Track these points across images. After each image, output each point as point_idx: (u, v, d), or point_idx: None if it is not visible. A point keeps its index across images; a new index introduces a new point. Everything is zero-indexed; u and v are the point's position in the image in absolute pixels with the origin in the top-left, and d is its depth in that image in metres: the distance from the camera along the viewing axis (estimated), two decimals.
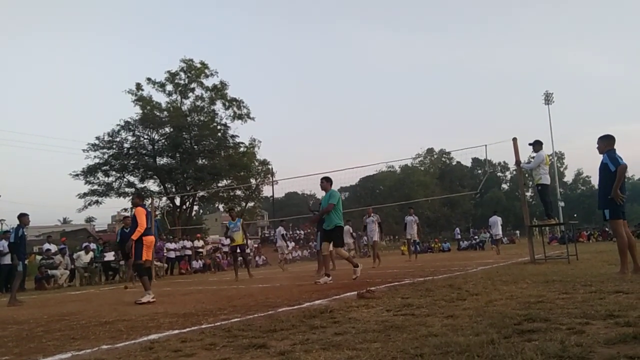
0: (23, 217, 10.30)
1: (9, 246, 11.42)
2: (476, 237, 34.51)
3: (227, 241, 23.79)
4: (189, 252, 23.86)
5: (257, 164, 40.12)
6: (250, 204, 41.00)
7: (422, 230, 22.54)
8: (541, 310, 3.81)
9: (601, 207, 6.85)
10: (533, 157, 10.72)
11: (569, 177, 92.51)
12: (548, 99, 52.38)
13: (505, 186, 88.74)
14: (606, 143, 6.91)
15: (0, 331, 5.19)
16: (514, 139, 11.10)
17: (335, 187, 9.59)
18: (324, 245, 9.35)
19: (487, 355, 2.48)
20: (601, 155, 6.90)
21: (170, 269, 21.50)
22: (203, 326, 4.39)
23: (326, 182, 9.31)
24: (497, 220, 20.59)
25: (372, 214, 15.36)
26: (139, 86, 35.49)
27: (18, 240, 10.29)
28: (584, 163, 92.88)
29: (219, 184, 36.77)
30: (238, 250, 13.93)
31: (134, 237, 7.91)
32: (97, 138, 33.27)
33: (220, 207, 42.87)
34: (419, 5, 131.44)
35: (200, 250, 23.65)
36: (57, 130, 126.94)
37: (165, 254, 21.09)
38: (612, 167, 6.62)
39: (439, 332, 3.22)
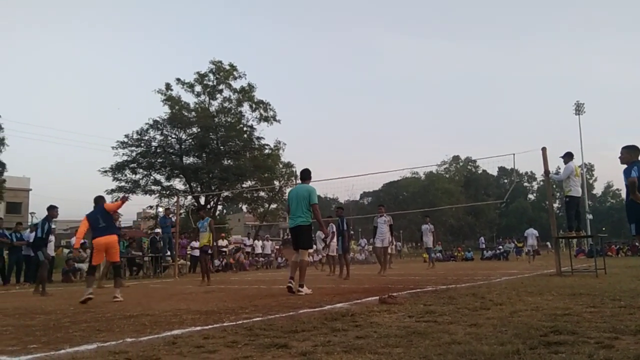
0: (52, 210, 10.42)
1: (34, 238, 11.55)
2: (501, 247, 33.95)
3: (224, 242, 24.05)
4: (211, 250, 24.07)
5: (281, 166, 40.30)
6: (274, 206, 41.14)
7: (439, 238, 22.99)
8: (568, 322, 3.72)
9: (631, 220, 6.59)
10: (560, 169, 10.53)
11: (598, 190, 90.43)
12: (579, 109, 51.32)
13: (531, 196, 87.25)
14: (633, 154, 6.60)
15: (28, 320, 5.33)
16: (543, 149, 10.92)
17: (358, 191, 9.34)
18: (290, 251, 8.52)
19: None
20: (623, 165, 6.58)
21: (193, 267, 21.73)
22: (225, 324, 4.43)
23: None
24: (533, 233, 22.00)
25: (384, 214, 13.94)
26: (168, 86, 36.07)
27: (44, 235, 10.35)
28: (614, 175, 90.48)
29: (244, 185, 37.04)
30: (208, 252, 12.91)
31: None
32: (126, 136, 33.91)
33: (244, 207, 43.12)
34: (448, 12, 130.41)
35: (224, 249, 23.84)
36: (88, 127, 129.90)
37: (189, 252, 21.35)
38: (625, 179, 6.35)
39: (462, 340, 3.18)
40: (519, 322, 3.84)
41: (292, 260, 8.22)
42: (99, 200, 8.46)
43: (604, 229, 57.88)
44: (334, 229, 13.47)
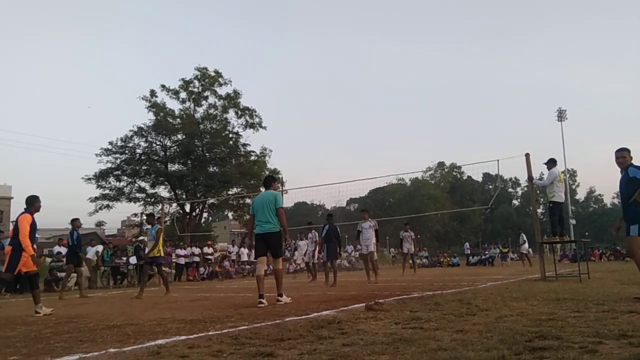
0: (75, 222, 12.13)
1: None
2: (486, 252, 34.24)
3: (210, 250, 23.78)
4: (197, 258, 23.92)
5: (267, 172, 40.20)
6: None
7: (425, 244, 23.22)
8: (553, 327, 3.75)
9: (633, 222, 6.26)
10: (543, 174, 10.65)
11: (580, 195, 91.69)
12: (561, 115, 52.09)
13: (516, 202, 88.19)
14: (629, 155, 6.50)
15: (9, 331, 5.22)
16: (527, 155, 11.05)
17: (344, 198, 9.24)
18: (260, 261, 7.65)
19: None
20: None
21: (178, 275, 21.54)
22: (210, 333, 4.38)
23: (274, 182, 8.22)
24: (523, 236, 24.08)
25: (368, 219, 13.53)
26: (153, 93, 35.88)
27: (74, 242, 11.95)
28: (596, 181, 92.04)
29: (229, 192, 36.88)
30: (156, 263, 11.47)
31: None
32: (110, 143, 33.61)
33: (230, 214, 42.90)
34: (432, 19, 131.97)
35: (209, 257, 23.68)
36: (71, 134, 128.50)
37: (174, 260, 21.16)
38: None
39: (448, 346, 3.18)
40: (504, 327, 3.86)
41: (258, 274, 7.57)
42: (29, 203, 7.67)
43: (587, 234, 58.77)
44: (316, 237, 13.44)
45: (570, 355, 2.75)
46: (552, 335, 3.39)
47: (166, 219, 28.23)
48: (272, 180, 8.10)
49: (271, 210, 7.41)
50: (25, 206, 7.64)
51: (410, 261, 18.89)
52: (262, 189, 8.30)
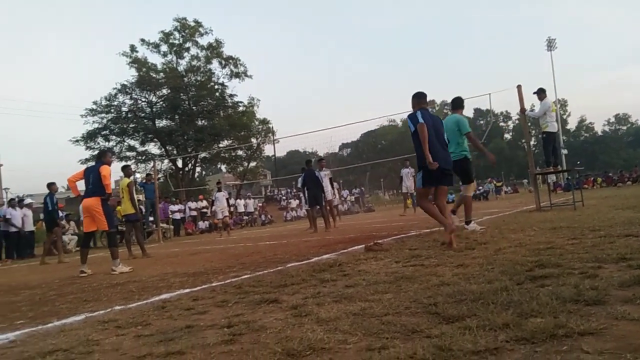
0: (52, 185, 11.73)
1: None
2: (480, 187, 34.59)
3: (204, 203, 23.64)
4: (194, 213, 24.05)
5: (257, 123, 39.82)
6: (253, 164, 40.93)
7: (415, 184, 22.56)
8: (551, 256, 3.79)
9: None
10: (534, 106, 10.56)
11: (572, 125, 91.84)
12: (550, 45, 51.23)
13: (507, 136, 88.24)
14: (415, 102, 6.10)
15: (13, 296, 5.24)
16: (519, 86, 10.90)
17: (337, 143, 9.02)
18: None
19: (502, 301, 2.46)
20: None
21: (176, 230, 21.72)
22: (213, 284, 4.41)
23: None
24: None
25: (324, 168, 13.46)
26: (133, 48, 34.87)
27: (53, 207, 11.61)
28: (587, 110, 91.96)
29: (220, 145, 36.66)
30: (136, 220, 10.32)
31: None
32: (95, 103, 33.02)
33: (223, 167, 42.85)
34: None
35: (205, 210, 23.80)
36: (56, 96, 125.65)
37: (170, 216, 21.28)
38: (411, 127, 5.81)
39: (450, 281, 3.21)
40: (504, 259, 3.90)
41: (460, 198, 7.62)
42: (101, 156, 7.70)
43: (578, 162, 59.26)
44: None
45: (571, 281, 2.77)
46: (552, 264, 3.43)
47: (159, 175, 28.14)
48: (461, 101, 7.61)
49: (458, 137, 7.11)
50: (99, 160, 7.63)
51: (410, 200, 18.45)
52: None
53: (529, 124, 18.35)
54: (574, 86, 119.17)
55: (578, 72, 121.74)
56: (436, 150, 5.67)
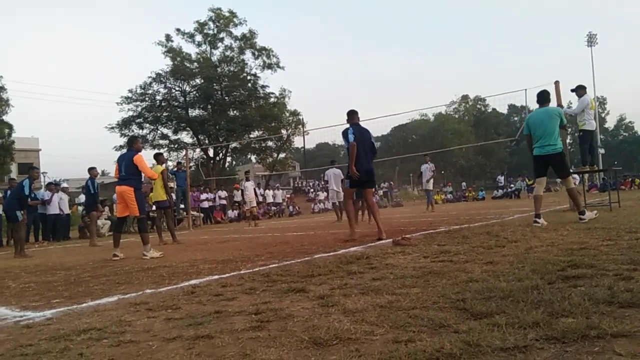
0: (92, 170, 12.15)
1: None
2: (512, 185, 33.92)
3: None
4: (223, 201, 24.37)
5: (287, 114, 39.90)
6: (282, 155, 41.11)
7: (444, 180, 22.19)
8: (585, 256, 3.69)
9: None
10: (571, 104, 10.26)
11: (610, 123, 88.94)
12: (591, 40, 49.57)
13: None
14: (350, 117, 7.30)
15: (49, 276, 5.44)
16: (556, 82, 10.60)
17: None
18: (539, 182, 7.41)
19: (532, 300, 2.42)
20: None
21: (206, 218, 22.08)
22: (242, 272, 4.48)
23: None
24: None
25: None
26: (168, 37, 35.38)
27: (95, 190, 12.10)
28: (627, 108, 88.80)
29: (251, 135, 36.93)
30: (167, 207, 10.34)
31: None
32: (130, 91, 33.70)
33: (253, 158, 43.17)
34: None
35: (238, 200, 24.04)
36: (93, 84, 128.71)
37: (199, 204, 21.62)
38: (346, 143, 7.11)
39: (479, 277, 3.17)
40: (535, 258, 3.83)
41: (536, 194, 7.33)
42: (132, 143, 7.97)
43: (616, 162, 57.44)
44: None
45: (605, 282, 2.71)
46: (585, 264, 3.34)
47: (191, 164, 28.60)
48: (548, 94, 7.42)
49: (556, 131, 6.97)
50: (130, 147, 7.94)
51: (438, 197, 18.17)
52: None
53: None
54: (614, 84, 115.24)
55: (618, 70, 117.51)
56: (362, 162, 6.97)
